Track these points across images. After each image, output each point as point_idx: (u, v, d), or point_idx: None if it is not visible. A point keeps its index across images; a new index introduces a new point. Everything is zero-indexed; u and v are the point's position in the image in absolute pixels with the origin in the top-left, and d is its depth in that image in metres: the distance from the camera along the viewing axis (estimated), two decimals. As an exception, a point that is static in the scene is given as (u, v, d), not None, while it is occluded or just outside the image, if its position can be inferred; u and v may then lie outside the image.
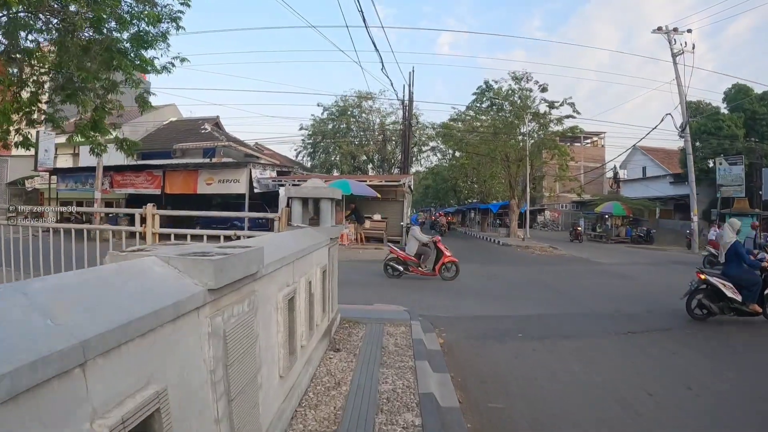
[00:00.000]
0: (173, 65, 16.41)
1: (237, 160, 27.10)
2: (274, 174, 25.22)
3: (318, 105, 52.82)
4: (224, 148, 31.14)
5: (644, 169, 46.86)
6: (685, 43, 30.23)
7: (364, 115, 43.58)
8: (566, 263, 18.81)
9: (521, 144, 30.04)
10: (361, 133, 44.43)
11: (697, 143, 35.74)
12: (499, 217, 45.01)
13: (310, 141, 45.21)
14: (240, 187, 22.77)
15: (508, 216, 34.31)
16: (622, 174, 48.25)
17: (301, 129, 44.64)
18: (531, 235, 31.41)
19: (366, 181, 21.41)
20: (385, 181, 22.44)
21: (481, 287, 11.75)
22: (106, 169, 25.98)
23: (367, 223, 21.72)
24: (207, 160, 27.34)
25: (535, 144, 29.57)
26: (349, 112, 43.55)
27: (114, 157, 30.89)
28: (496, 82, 30.34)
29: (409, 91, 25.18)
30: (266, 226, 23.28)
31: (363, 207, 21.88)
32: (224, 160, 27.61)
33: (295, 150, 47.03)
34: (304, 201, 5.87)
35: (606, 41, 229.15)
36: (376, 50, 36.87)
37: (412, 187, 26.97)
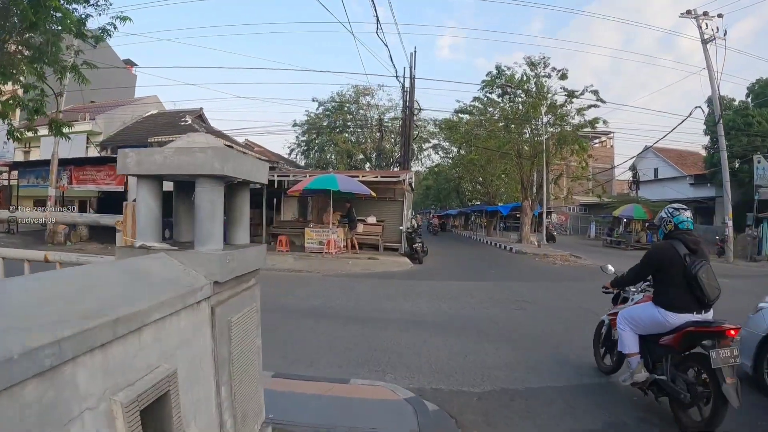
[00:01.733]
0: (114, 27, 13.34)
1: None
2: (256, 167, 21.82)
3: (313, 100, 50.10)
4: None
5: (656, 170, 44.17)
6: (717, 28, 27.27)
7: (361, 111, 40.79)
8: (601, 278, 15.40)
9: (536, 138, 26.79)
10: (358, 131, 41.81)
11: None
12: (505, 220, 42.25)
13: (304, 138, 42.50)
14: (211, 183, 19.36)
15: (520, 219, 30.95)
16: (630, 176, 45.60)
17: (294, 125, 41.89)
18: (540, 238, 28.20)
19: (358, 176, 17.93)
20: (382, 177, 18.84)
21: (512, 320, 8.33)
22: (65, 162, 22.63)
23: (360, 227, 18.27)
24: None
25: (553, 138, 26.21)
26: (345, 108, 40.88)
27: (76, 148, 27.85)
28: (508, 68, 26.97)
29: (411, 74, 21.77)
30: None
31: (355, 208, 18.48)
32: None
33: (288, 148, 44.25)
34: (176, 185, 2.51)
35: (607, 43, 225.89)
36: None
37: (413, 185, 23.56)
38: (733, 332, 3.92)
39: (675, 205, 4.54)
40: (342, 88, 42.54)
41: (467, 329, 7.49)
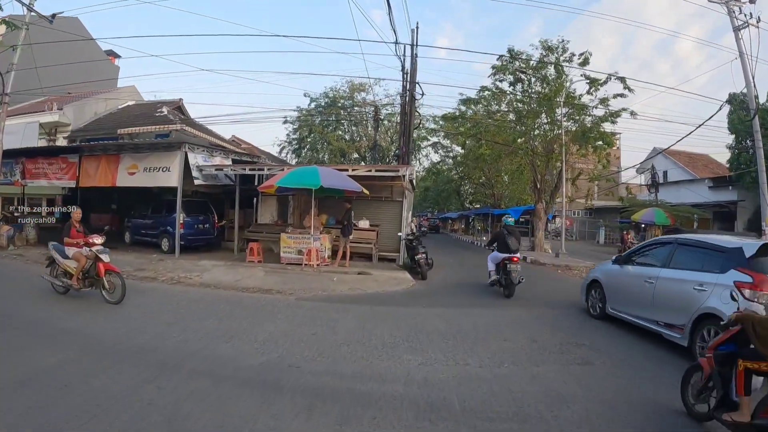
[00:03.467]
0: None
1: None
2: (227, 161, 18.54)
3: (305, 95, 47.46)
4: (178, 132, 24.62)
5: (665, 173, 41.48)
6: (750, 14, 24.38)
7: (356, 107, 38.35)
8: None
9: (551, 134, 23.74)
10: (353, 128, 39.68)
11: (748, 141, 30.12)
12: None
13: (296, 136, 40.26)
14: (170, 178, 16.04)
15: (532, 224, 27.85)
16: (640, 180, 42.80)
17: (285, 122, 39.33)
18: (553, 246, 25.11)
19: (348, 170, 14.57)
20: (377, 172, 15.28)
21: (587, 392, 5.11)
22: (15, 153, 19.37)
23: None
24: (132, 141, 20.54)
25: (570, 134, 23.07)
26: (340, 104, 38.52)
27: (28, 138, 24.57)
28: (521, 53, 23.70)
29: (412, 53, 18.48)
30: (208, 234, 16.99)
31: (341, 208, 15.18)
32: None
33: (278, 145, 42.23)
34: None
35: (604, 48, 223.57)
36: None
37: (414, 182, 20.30)
38: (516, 258, 11.12)
39: (506, 216, 13.05)
40: (336, 83, 40.76)
41: (525, 420, 4.32)
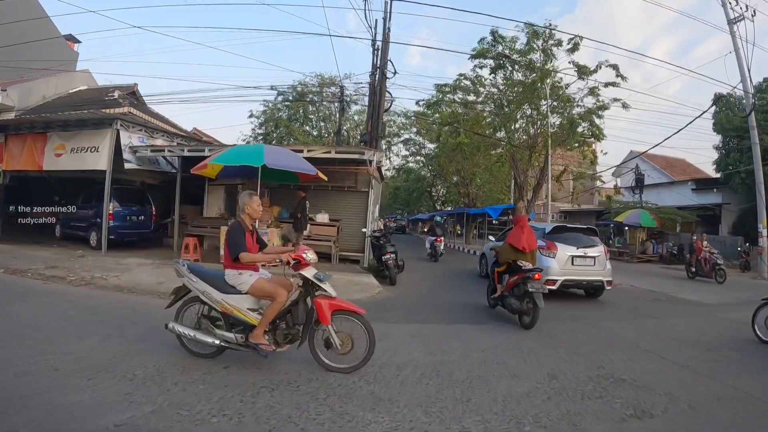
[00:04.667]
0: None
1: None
2: (173, 143, 16.06)
3: (272, 88, 45.58)
4: (125, 117, 22.08)
5: (642, 176, 40.37)
6: (746, 6, 23.13)
7: (325, 103, 37.34)
8: (664, 310, 10.32)
9: (533, 128, 21.95)
10: (321, 124, 38.92)
11: (735, 141, 28.91)
12: (479, 226, 37.74)
13: (261, 131, 38.83)
14: (99, 160, 13.56)
15: (508, 225, 26.13)
16: (618, 182, 41.68)
17: (250, 116, 38.80)
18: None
19: (303, 150, 12.20)
20: (337, 153, 12.92)
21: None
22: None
23: (307, 228, 12.65)
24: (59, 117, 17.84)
25: (564, 125, 21.29)
26: (308, 99, 37.21)
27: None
28: (503, 38, 21.67)
29: (384, 27, 16.21)
30: (144, 228, 14.25)
31: (295, 199, 12.79)
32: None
33: (243, 140, 40.50)
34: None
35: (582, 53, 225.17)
36: None
37: (382, 170, 18.17)
38: (439, 239, 19.89)
39: (436, 217, 26.87)
40: (305, 76, 41.21)
41: None
